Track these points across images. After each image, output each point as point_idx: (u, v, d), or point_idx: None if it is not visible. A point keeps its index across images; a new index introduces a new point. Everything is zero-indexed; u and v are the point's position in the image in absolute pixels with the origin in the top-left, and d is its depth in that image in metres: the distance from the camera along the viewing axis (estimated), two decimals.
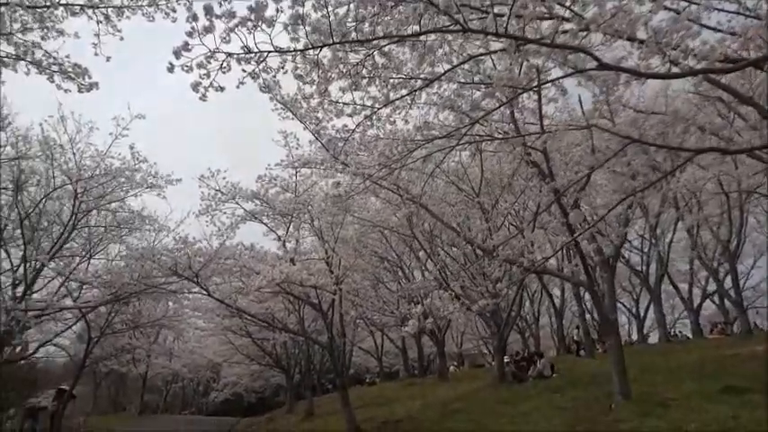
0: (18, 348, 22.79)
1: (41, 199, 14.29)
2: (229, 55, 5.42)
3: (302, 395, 37.80)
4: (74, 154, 14.09)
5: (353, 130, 8.65)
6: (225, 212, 16.85)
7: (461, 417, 14.06)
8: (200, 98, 5.56)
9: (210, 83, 5.48)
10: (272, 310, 22.14)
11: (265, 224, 17.44)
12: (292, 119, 12.82)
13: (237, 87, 5.98)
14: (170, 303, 19.88)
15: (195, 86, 5.44)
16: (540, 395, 14.88)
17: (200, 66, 5.27)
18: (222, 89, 5.61)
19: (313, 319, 22.98)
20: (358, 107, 8.19)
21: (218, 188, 16.16)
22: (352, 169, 13.43)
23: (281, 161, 15.31)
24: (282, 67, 6.24)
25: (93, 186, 14.87)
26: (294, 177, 16.43)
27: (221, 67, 5.46)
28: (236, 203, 16.74)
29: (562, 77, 6.84)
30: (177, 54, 5.07)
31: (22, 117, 34.35)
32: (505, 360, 20.30)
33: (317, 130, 13.04)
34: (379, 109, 7.74)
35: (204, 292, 14.60)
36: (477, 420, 13.18)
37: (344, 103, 8.28)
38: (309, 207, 15.22)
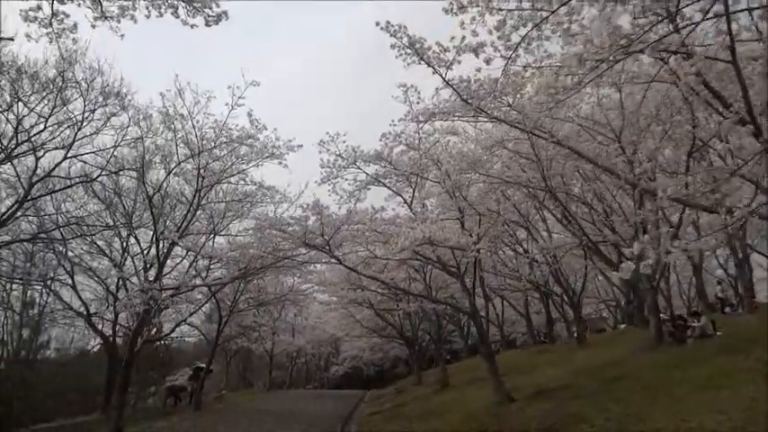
0: (154, 330, 23.52)
1: (167, 175, 14.04)
2: None
3: (423, 366, 37.41)
4: (193, 126, 13.70)
5: (517, 46, 7.33)
6: (346, 179, 16.11)
7: (627, 383, 12.47)
8: None
9: None
10: (396, 280, 21.38)
11: (389, 187, 16.49)
12: (419, 63, 11.63)
13: None
14: (296, 278, 19.45)
15: None
16: (715, 357, 12.99)
17: None
18: None
19: (439, 286, 21.96)
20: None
21: (338, 153, 15.36)
22: (502, 114, 12.17)
23: (405, 116, 14.21)
24: None
25: (214, 159, 14.45)
26: (418, 134, 15.29)
27: None
28: (358, 168, 15.92)
29: None
30: None
31: (141, 96, 35.41)
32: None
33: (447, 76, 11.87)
34: (556, 9, 6.39)
35: (334, 261, 13.82)
36: (651, 387, 11.56)
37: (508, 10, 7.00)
38: (438, 163, 13.99)
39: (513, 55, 7.52)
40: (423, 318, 26.85)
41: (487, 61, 8.09)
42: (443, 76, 11.74)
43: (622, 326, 35.91)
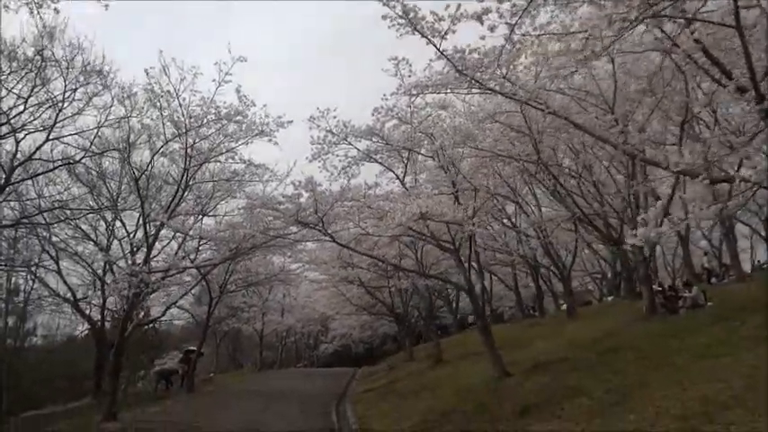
0: (142, 314, 23.25)
1: (154, 154, 13.66)
2: None
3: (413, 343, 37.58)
4: (179, 104, 13.30)
5: (523, 11, 7.12)
6: (337, 155, 15.84)
7: (626, 355, 12.46)
8: None
9: None
10: (387, 256, 21.29)
11: (381, 163, 16.26)
12: (413, 34, 11.35)
13: None
14: (286, 257, 19.23)
15: None
16: (711, 326, 13.03)
17: None
18: None
19: (431, 262, 21.92)
20: None
21: (329, 128, 15.07)
22: (497, 85, 11.93)
23: (397, 89, 13.92)
24: None
25: (202, 137, 14.09)
26: (410, 108, 15.01)
27: None
28: (349, 144, 15.65)
29: None
30: None
31: (124, 74, 34.54)
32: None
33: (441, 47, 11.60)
34: None
35: (327, 239, 13.62)
36: (648, 357, 11.57)
37: None
38: (431, 137, 13.77)
39: (519, 21, 7.25)
40: (413, 294, 26.88)
41: (492, 28, 7.85)
42: (437, 46, 11.50)
43: (609, 298, 36.13)
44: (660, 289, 18.80)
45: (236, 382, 27.74)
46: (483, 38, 11.68)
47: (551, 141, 17.55)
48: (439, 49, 11.58)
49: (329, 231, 13.24)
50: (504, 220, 25.01)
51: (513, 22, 7.30)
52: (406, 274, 22.20)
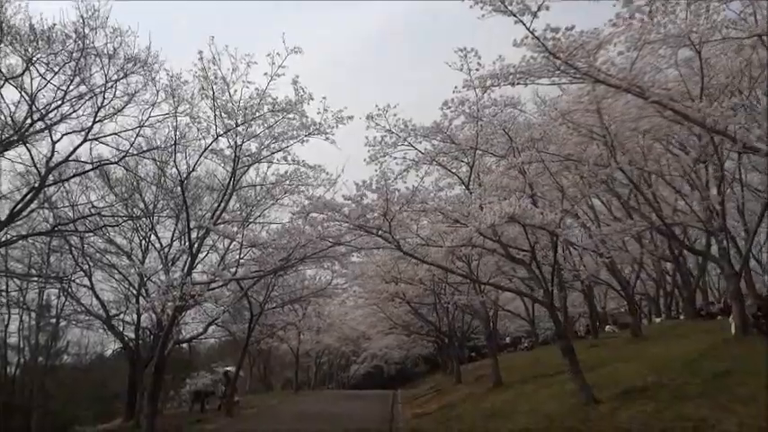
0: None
1: (202, 152, 12.40)
2: None
3: (446, 364, 35.79)
4: (230, 96, 12.05)
5: None
6: (395, 158, 14.53)
7: (738, 380, 10.78)
8: None
9: None
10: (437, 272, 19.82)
11: (444, 165, 14.89)
12: (499, 12, 10.03)
13: None
14: (333, 271, 17.81)
15: None
16: None
17: None
18: None
19: (489, 277, 20.32)
20: None
21: (388, 128, 13.75)
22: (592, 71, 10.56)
23: (465, 83, 12.57)
24: None
25: (251, 136, 12.83)
26: (477, 104, 13.60)
27: None
28: (409, 145, 14.31)
29: None
30: None
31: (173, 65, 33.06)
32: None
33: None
34: None
35: (391, 246, 12.20)
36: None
37: None
38: (508, 134, 12.34)
39: None
40: (456, 312, 25.36)
41: None
42: (527, 25, 10.17)
43: (658, 320, 34.18)
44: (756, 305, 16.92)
45: (275, 405, 26.21)
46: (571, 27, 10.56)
47: (629, 144, 16.16)
48: (528, 29, 10.26)
49: (396, 238, 11.82)
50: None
51: None
52: (460, 290, 20.71)
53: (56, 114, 13.15)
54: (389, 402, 26.00)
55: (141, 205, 21.10)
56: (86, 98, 13.39)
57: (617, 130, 15.47)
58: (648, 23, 10.81)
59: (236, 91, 12.08)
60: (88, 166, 15.02)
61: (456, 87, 12.47)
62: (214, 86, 11.69)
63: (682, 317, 31.01)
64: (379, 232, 12.04)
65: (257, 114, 12.16)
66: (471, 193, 14.25)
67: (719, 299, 36.33)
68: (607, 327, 36.42)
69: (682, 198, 16.25)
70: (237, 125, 12.22)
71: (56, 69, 12.78)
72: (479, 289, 18.85)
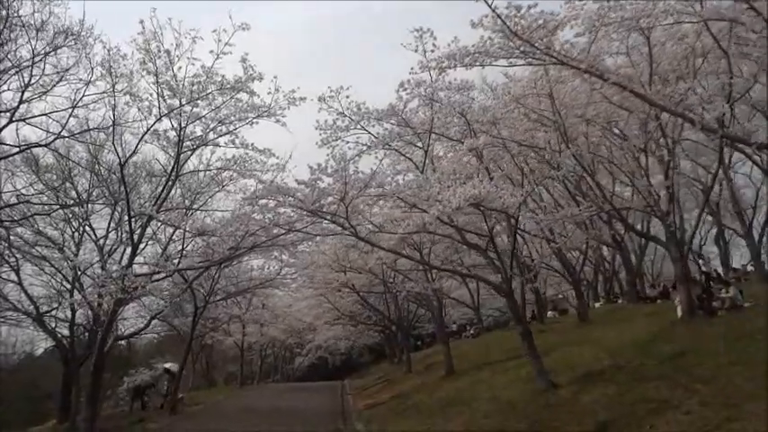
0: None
1: (144, 134, 11.50)
2: None
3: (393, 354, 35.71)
4: (174, 75, 11.18)
5: None
6: (347, 142, 14.03)
7: (695, 360, 10.86)
8: None
9: None
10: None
11: (397, 150, 14.51)
12: None
13: None
14: (283, 258, 17.07)
15: None
16: None
17: None
18: None
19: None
20: None
21: (341, 110, 13.24)
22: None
23: (419, 64, 12.17)
24: None
25: (196, 117, 12.02)
26: (431, 86, 13.22)
27: None
28: (362, 128, 13.84)
29: None
30: None
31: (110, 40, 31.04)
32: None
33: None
34: None
35: (347, 233, 11.73)
36: (737, 363, 9.89)
37: None
38: (464, 117, 12.04)
39: None
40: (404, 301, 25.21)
41: None
42: (489, 2, 9.85)
43: (597, 304, 35.00)
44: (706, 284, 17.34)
45: (221, 401, 25.34)
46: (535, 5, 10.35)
47: (577, 130, 16.27)
48: (490, 5, 9.97)
49: (352, 224, 11.35)
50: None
51: None
52: (410, 278, 20.42)
53: None
54: (338, 393, 25.62)
55: (74, 194, 19.77)
56: (11, 74, 12.24)
57: (566, 116, 15.54)
58: (606, 5, 10.77)
59: (180, 68, 11.31)
60: (15, 150, 13.77)
61: (412, 69, 12.08)
62: (157, 61, 10.88)
63: (620, 301, 31.86)
64: (335, 218, 11.56)
65: (203, 94, 11.39)
66: (426, 178, 13.97)
67: (654, 283, 37.61)
68: (549, 312, 37.16)
69: (631, 183, 16.40)
70: (182, 105, 11.40)
71: None
72: (432, 276, 18.64)
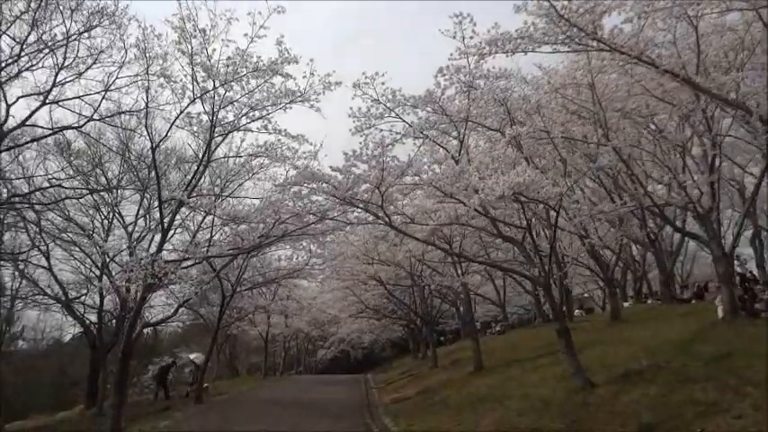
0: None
1: (176, 117, 11.32)
2: None
3: (417, 348, 35.39)
4: (208, 57, 10.96)
5: None
6: (381, 130, 13.67)
7: (742, 362, 10.36)
8: None
9: None
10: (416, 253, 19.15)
11: (432, 139, 14.12)
12: None
13: None
14: (311, 248, 16.86)
15: None
16: None
17: None
18: None
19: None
20: None
21: (375, 97, 12.89)
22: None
23: (458, 51, 11.83)
24: None
25: (228, 102, 11.79)
26: (470, 74, 12.84)
27: None
28: (397, 116, 13.48)
29: None
30: None
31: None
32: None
33: None
34: None
35: (381, 222, 11.44)
36: None
37: None
38: (504, 106, 11.65)
39: None
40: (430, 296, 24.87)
41: None
42: None
43: (626, 304, 34.31)
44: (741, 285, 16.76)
45: (244, 391, 25.27)
46: None
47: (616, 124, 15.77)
48: None
49: (387, 213, 11.06)
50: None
51: None
52: (440, 272, 20.09)
53: (11, 70, 11.87)
54: (362, 387, 25.41)
55: (103, 180, 19.80)
56: (45, 55, 12.15)
57: (606, 108, 15.05)
58: None
59: (214, 50, 11.07)
60: (48, 132, 13.70)
61: (451, 54, 11.73)
62: (192, 41, 10.65)
63: (649, 301, 31.15)
64: (368, 206, 11.27)
65: (238, 76, 11.14)
66: (464, 167, 13.64)
67: (685, 284, 36.77)
68: (576, 311, 36.55)
69: (673, 179, 15.81)
70: (215, 87, 11.17)
71: (10, 20, 11.51)
72: (462, 270, 18.28)
